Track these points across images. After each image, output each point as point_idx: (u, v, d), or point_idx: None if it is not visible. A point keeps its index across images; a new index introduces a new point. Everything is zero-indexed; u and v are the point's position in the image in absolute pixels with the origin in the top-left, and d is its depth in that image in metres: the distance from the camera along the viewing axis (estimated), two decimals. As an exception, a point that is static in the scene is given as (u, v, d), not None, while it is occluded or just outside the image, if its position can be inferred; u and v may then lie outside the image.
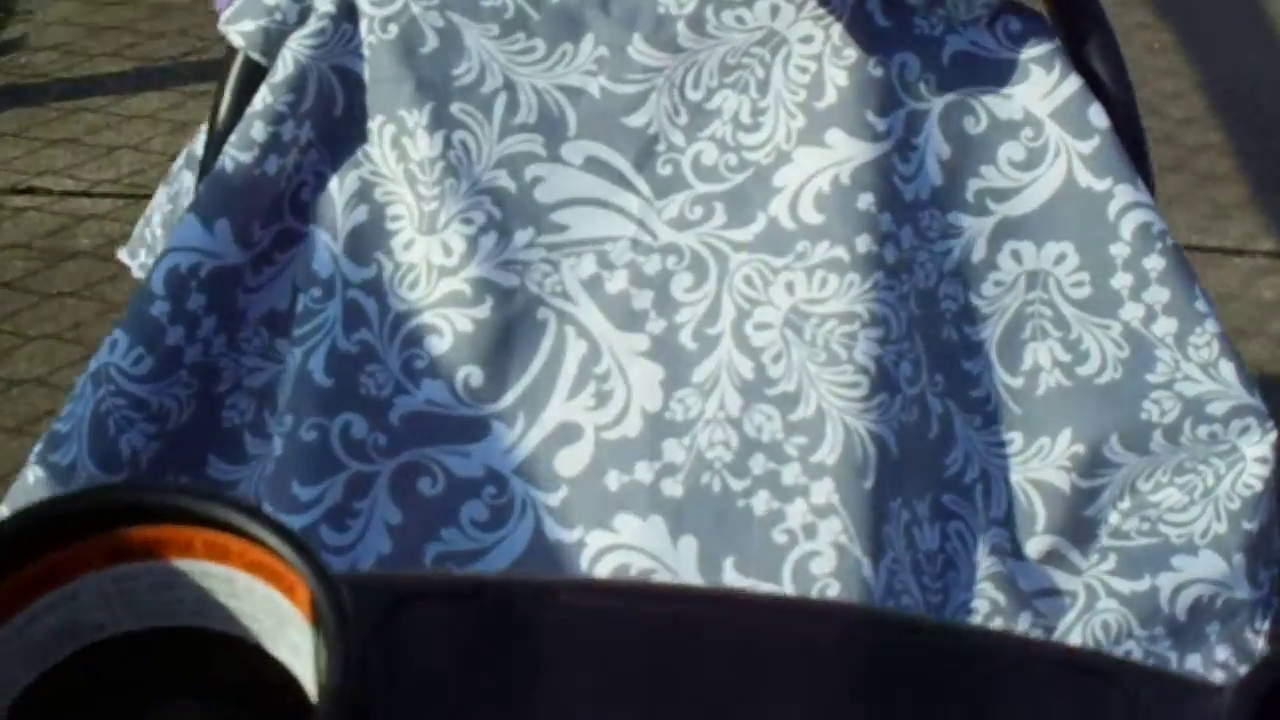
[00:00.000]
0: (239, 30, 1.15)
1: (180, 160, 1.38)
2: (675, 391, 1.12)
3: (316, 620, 0.60)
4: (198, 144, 1.36)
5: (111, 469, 1.12)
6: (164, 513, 0.63)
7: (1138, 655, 1.13)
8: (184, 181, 1.34)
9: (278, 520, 0.62)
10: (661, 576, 1.09)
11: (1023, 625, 1.15)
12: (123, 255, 1.45)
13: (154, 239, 1.35)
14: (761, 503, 1.11)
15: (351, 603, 0.60)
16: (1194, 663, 1.13)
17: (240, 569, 0.64)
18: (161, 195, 1.39)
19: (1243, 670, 1.13)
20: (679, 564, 1.10)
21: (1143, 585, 1.14)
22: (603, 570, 1.10)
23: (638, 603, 0.71)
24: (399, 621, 0.68)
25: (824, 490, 1.09)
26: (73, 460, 1.12)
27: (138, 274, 1.44)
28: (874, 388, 1.10)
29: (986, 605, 1.14)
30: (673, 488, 1.11)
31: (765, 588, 1.09)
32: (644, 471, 1.11)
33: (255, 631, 0.65)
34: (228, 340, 1.15)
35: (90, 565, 0.65)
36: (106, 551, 0.65)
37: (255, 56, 1.15)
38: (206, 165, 1.16)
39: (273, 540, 0.62)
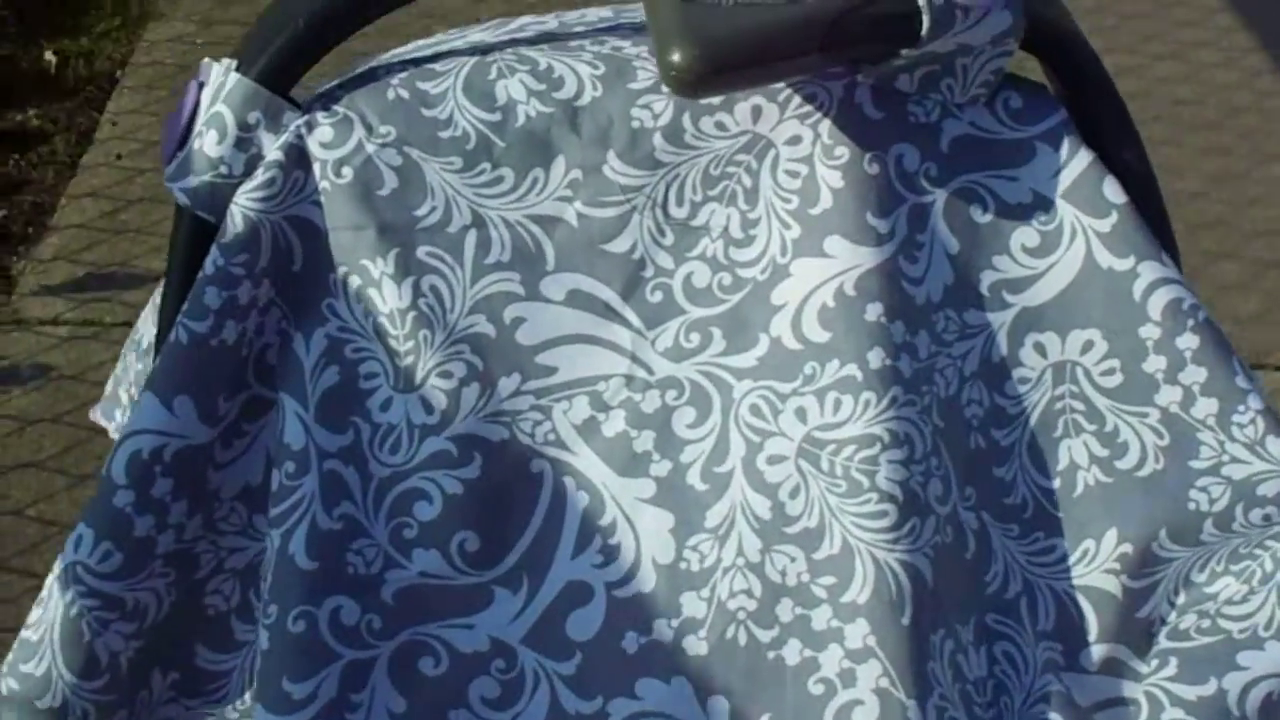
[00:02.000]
0: (182, 187, 1.06)
1: (146, 314, 1.30)
2: (688, 539, 1.04)
3: None
4: (159, 295, 1.28)
5: (89, 675, 1.05)
6: None
7: None
8: (150, 338, 1.27)
9: None
10: None
11: None
12: (96, 415, 1.37)
13: (129, 400, 1.28)
14: (793, 652, 1.03)
15: None
16: None
17: None
18: (130, 354, 1.32)
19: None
20: None
21: (1209, 689, 1.06)
22: None
23: None
24: None
25: (859, 633, 1.02)
26: (46, 670, 1.05)
27: (115, 435, 1.36)
28: (902, 515, 1.02)
29: None
30: (696, 645, 1.03)
31: None
32: (663, 630, 1.03)
33: None
34: (203, 522, 1.07)
35: None
36: None
37: (202, 214, 1.07)
38: (160, 335, 1.08)
39: None
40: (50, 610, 1.05)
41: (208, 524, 1.07)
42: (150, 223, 2.94)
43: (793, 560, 1.03)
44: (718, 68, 0.98)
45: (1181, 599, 1.09)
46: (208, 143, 1.06)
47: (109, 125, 3.25)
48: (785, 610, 1.03)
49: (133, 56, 3.51)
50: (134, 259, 2.87)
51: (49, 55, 3.46)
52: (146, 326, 1.29)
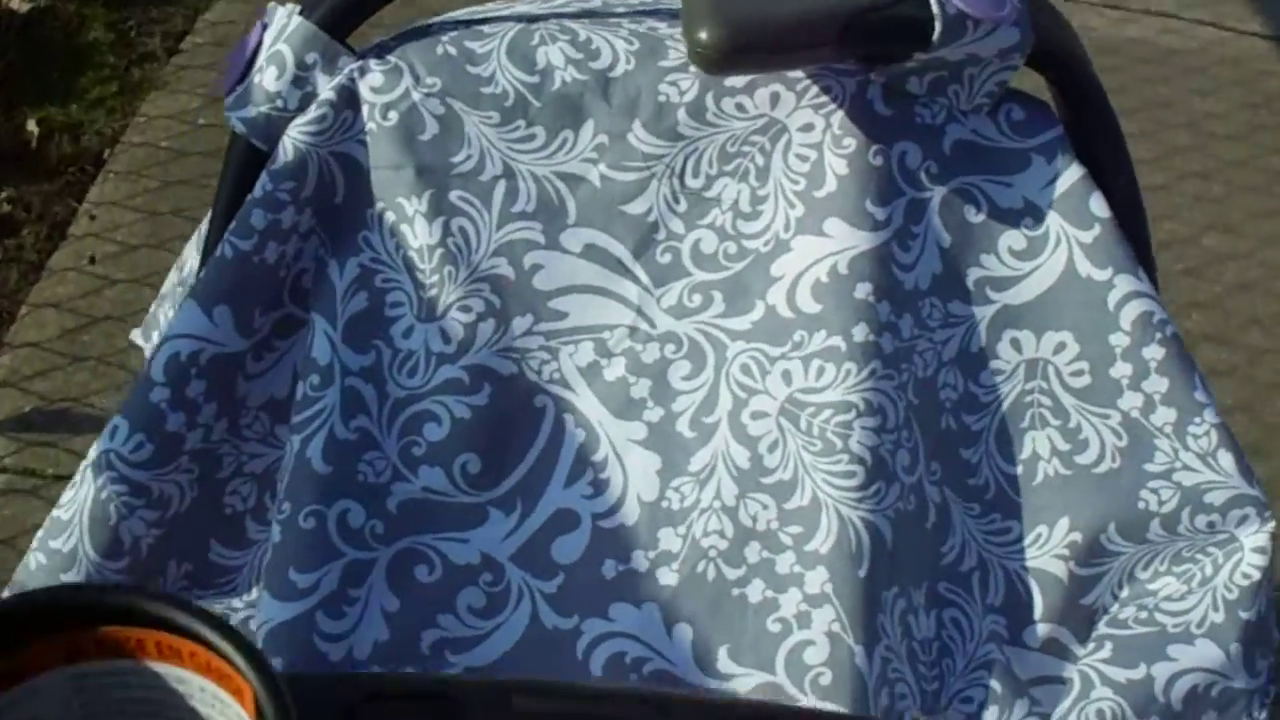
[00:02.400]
0: (241, 116, 1.15)
1: (191, 242, 1.39)
2: (671, 480, 1.12)
3: None
4: (205, 225, 1.37)
5: (112, 556, 1.13)
6: (121, 613, 0.64)
7: None
8: (194, 263, 1.35)
9: (227, 624, 0.62)
10: (656, 665, 1.09)
11: (1018, 713, 1.14)
12: (136, 337, 1.45)
13: (166, 321, 1.36)
14: (756, 591, 1.10)
15: (296, 708, 0.60)
16: None
17: (192, 670, 0.64)
18: (173, 277, 1.40)
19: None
20: (674, 652, 1.09)
21: (1138, 674, 1.13)
22: (598, 658, 1.09)
23: (592, 706, 0.71)
24: (356, 723, 0.68)
25: (818, 579, 1.09)
26: (74, 547, 1.13)
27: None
28: (869, 477, 1.10)
29: (982, 693, 1.14)
30: (668, 576, 1.11)
31: (758, 676, 1.09)
32: (640, 560, 1.11)
33: (212, 730, 0.66)
34: (229, 426, 1.15)
35: (50, 663, 0.65)
36: (66, 650, 0.65)
37: (256, 143, 1.15)
38: (207, 251, 1.17)
39: (221, 644, 0.62)
40: (82, 492, 1.13)
41: (233, 428, 1.16)
42: (114, 350, 2.54)
43: (765, 508, 1.11)
44: (740, 48, 1.07)
45: (1124, 592, 1.16)
46: (268, 77, 1.15)
47: (87, 219, 2.83)
48: (753, 552, 1.11)
49: (125, 134, 3.05)
50: (89, 395, 2.48)
51: (31, 125, 2.99)
52: (190, 253, 1.38)
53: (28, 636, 0.64)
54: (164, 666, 0.64)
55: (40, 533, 1.14)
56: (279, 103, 1.14)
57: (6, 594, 1.13)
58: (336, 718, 0.68)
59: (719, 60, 1.08)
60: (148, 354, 1.39)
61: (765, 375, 1.13)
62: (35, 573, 1.13)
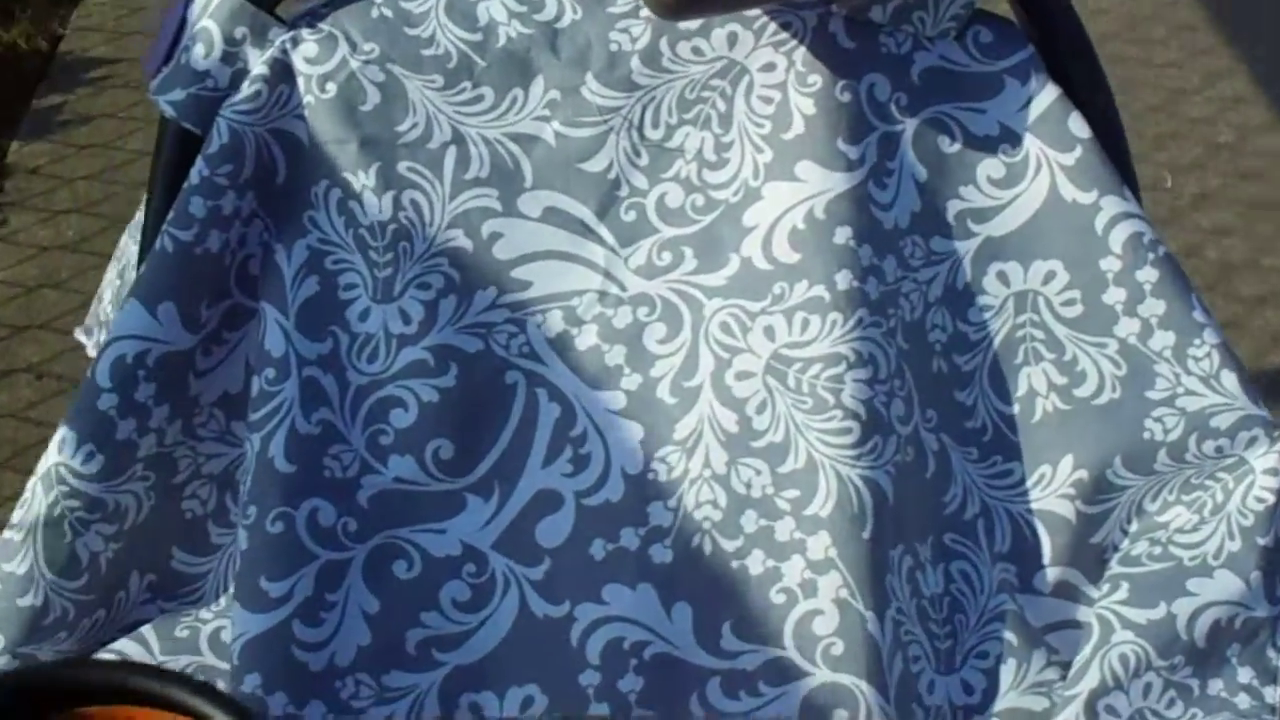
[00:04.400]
0: (169, 99, 1.08)
1: (126, 233, 1.32)
2: (656, 450, 1.07)
3: None
4: (141, 212, 1.30)
5: (70, 575, 1.07)
6: (109, 691, 0.58)
7: (1158, 686, 1.08)
8: (130, 256, 1.28)
9: (225, 694, 0.57)
10: (657, 648, 1.04)
11: (1036, 664, 1.10)
12: (79, 335, 1.39)
13: (107, 317, 1.30)
14: (756, 562, 1.05)
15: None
16: (1216, 687, 1.09)
17: None
18: (111, 271, 1.34)
19: (1267, 691, 1.08)
20: (674, 633, 1.04)
21: (1158, 613, 1.09)
22: (594, 645, 1.04)
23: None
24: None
25: (821, 545, 1.04)
26: (29, 569, 1.06)
27: (93, 353, 1.38)
28: (865, 432, 1.05)
29: (997, 646, 1.09)
30: (662, 553, 1.05)
31: (766, 651, 1.04)
32: (630, 538, 1.06)
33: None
34: (183, 427, 1.09)
35: None
36: None
37: (188, 126, 1.09)
38: (145, 245, 1.10)
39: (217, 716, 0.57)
40: (33, 511, 1.07)
41: (187, 429, 1.09)
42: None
43: (758, 473, 1.06)
44: None
45: (1134, 526, 1.11)
46: (194, 56, 1.08)
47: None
48: (749, 521, 1.06)
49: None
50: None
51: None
52: (127, 245, 1.31)
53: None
54: None
55: None
56: (209, 82, 1.08)
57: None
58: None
59: (677, 5, 1.02)
60: (89, 350, 1.32)
61: (746, 332, 1.07)
62: None
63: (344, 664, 1.04)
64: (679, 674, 1.04)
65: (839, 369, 1.05)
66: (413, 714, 1.04)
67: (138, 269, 1.11)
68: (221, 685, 1.05)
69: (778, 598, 1.05)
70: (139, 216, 1.29)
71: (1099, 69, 1.14)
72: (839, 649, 1.03)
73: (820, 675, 1.03)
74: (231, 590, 1.08)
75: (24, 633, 1.07)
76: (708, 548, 1.06)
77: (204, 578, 1.12)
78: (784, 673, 1.03)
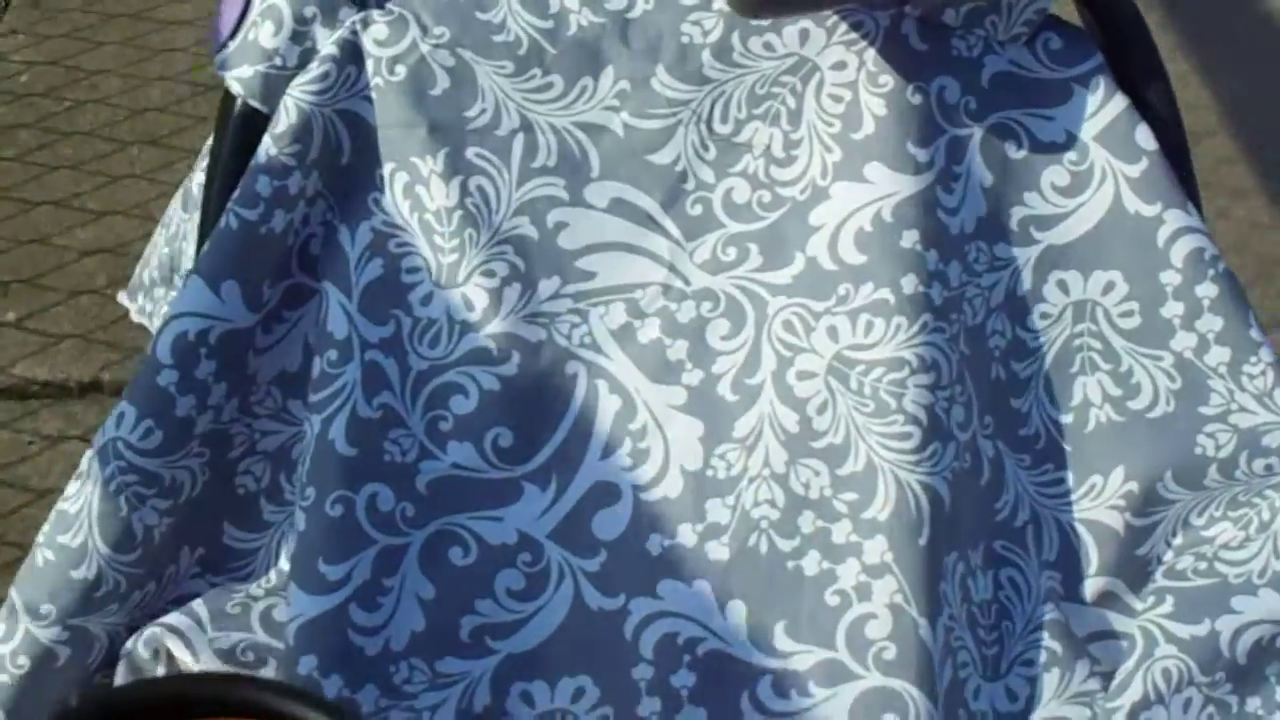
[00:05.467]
0: (237, 76, 1.08)
1: (176, 202, 1.32)
2: (716, 447, 1.07)
3: None
4: (193, 182, 1.30)
5: (124, 549, 1.07)
6: (226, 705, 0.58)
7: (1198, 702, 1.08)
8: (180, 224, 1.28)
9: (322, 699, 0.57)
10: (710, 645, 1.04)
11: (1080, 674, 1.10)
12: (122, 298, 1.39)
13: (152, 282, 1.29)
14: (812, 563, 1.06)
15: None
16: (1254, 705, 1.09)
17: None
18: (159, 237, 1.33)
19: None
20: (728, 631, 1.05)
21: (1202, 629, 1.09)
22: (648, 639, 1.04)
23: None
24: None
25: (877, 549, 1.04)
26: (83, 541, 1.06)
27: (136, 317, 1.38)
28: (926, 438, 1.05)
29: (1042, 654, 1.10)
30: (718, 550, 1.05)
31: (818, 653, 1.04)
32: (687, 534, 1.06)
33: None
34: (240, 404, 1.09)
35: None
36: None
37: (255, 104, 1.08)
38: (207, 222, 1.09)
39: None
40: (88, 484, 1.06)
41: (244, 406, 1.09)
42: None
43: (817, 474, 1.06)
44: None
45: (1179, 540, 1.12)
46: (263, 33, 1.07)
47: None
48: (807, 522, 1.06)
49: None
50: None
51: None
52: (176, 212, 1.31)
53: None
54: None
55: (46, 527, 1.08)
56: (277, 60, 1.07)
57: (13, 591, 1.07)
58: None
59: (756, 3, 1.02)
60: (133, 315, 1.32)
61: (810, 332, 1.07)
62: (43, 570, 1.07)
63: (398, 649, 1.04)
64: (731, 671, 1.04)
65: (902, 373, 1.05)
66: (464, 700, 1.04)
67: (198, 245, 1.10)
68: (274, 663, 1.05)
69: (832, 599, 1.05)
70: (188, 184, 1.29)
71: (1167, 81, 1.14)
72: (891, 654, 1.03)
73: (872, 679, 1.03)
74: (283, 568, 1.08)
75: (77, 604, 1.07)
76: (764, 547, 1.06)
77: (254, 554, 1.11)
78: (835, 675, 1.04)
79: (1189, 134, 1.15)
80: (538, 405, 1.07)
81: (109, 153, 2.73)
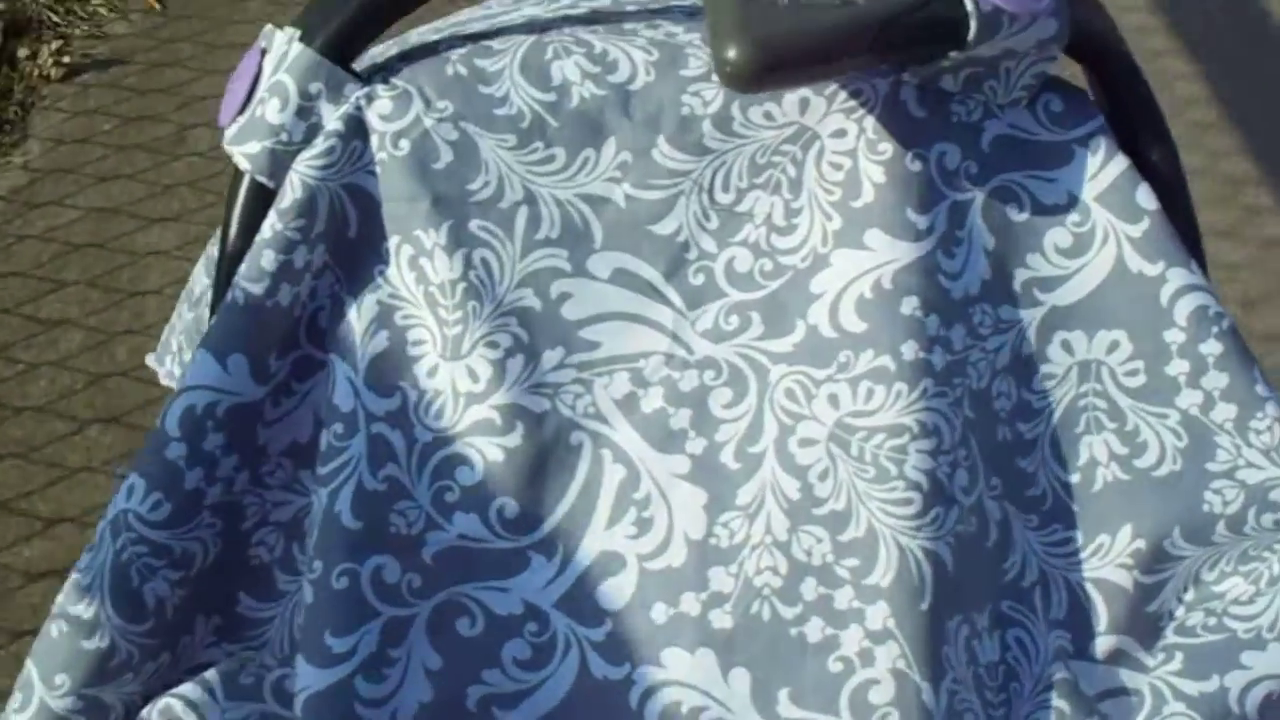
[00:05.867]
0: (244, 152, 1.09)
1: (199, 266, 1.33)
2: (719, 516, 1.07)
3: None
4: (214, 247, 1.31)
5: (136, 620, 1.08)
6: None
7: None
8: (204, 290, 1.29)
9: None
10: (714, 713, 1.05)
11: None
12: (151, 361, 1.40)
13: (180, 347, 1.31)
14: (815, 630, 1.06)
15: None
16: None
17: None
18: (184, 305, 1.35)
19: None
20: (731, 699, 1.05)
21: (1211, 685, 1.09)
22: (653, 709, 1.05)
23: None
24: None
25: (879, 615, 1.05)
26: (95, 613, 1.08)
27: (165, 381, 1.39)
28: (927, 503, 1.05)
29: (1051, 715, 1.10)
30: (721, 619, 1.06)
31: (823, 719, 1.05)
32: (690, 603, 1.06)
33: None
34: (250, 477, 1.10)
35: None
36: None
37: (261, 179, 1.09)
38: (217, 296, 1.11)
39: None
40: (101, 555, 1.08)
41: (255, 478, 1.10)
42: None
43: (819, 541, 1.06)
44: (772, 66, 1.01)
45: (1190, 596, 1.12)
46: (269, 110, 1.09)
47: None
48: (809, 589, 1.06)
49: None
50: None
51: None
52: (199, 278, 1.32)
53: None
54: None
55: (60, 599, 1.09)
56: (283, 136, 1.09)
57: (29, 662, 1.09)
58: None
59: (750, 79, 1.02)
60: (162, 378, 1.33)
61: (811, 400, 1.08)
62: (57, 640, 1.09)
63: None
64: None
65: (902, 440, 1.06)
66: None
67: (210, 317, 1.12)
68: None
69: (835, 666, 1.05)
70: (211, 250, 1.30)
71: (1169, 139, 1.14)
72: (895, 719, 1.04)
73: None
74: (296, 638, 1.09)
75: (91, 675, 1.08)
76: (767, 614, 1.06)
77: (269, 623, 1.13)
78: None
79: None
80: (542, 475, 1.08)
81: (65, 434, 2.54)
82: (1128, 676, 1.12)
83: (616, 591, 1.07)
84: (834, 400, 1.08)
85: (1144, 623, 1.12)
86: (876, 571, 1.05)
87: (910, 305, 1.08)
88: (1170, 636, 1.12)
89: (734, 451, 1.08)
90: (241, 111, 1.10)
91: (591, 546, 1.08)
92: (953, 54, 1.06)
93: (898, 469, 1.06)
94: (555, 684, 1.06)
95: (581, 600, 1.07)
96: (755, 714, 1.05)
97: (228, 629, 1.13)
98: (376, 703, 1.05)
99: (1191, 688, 1.09)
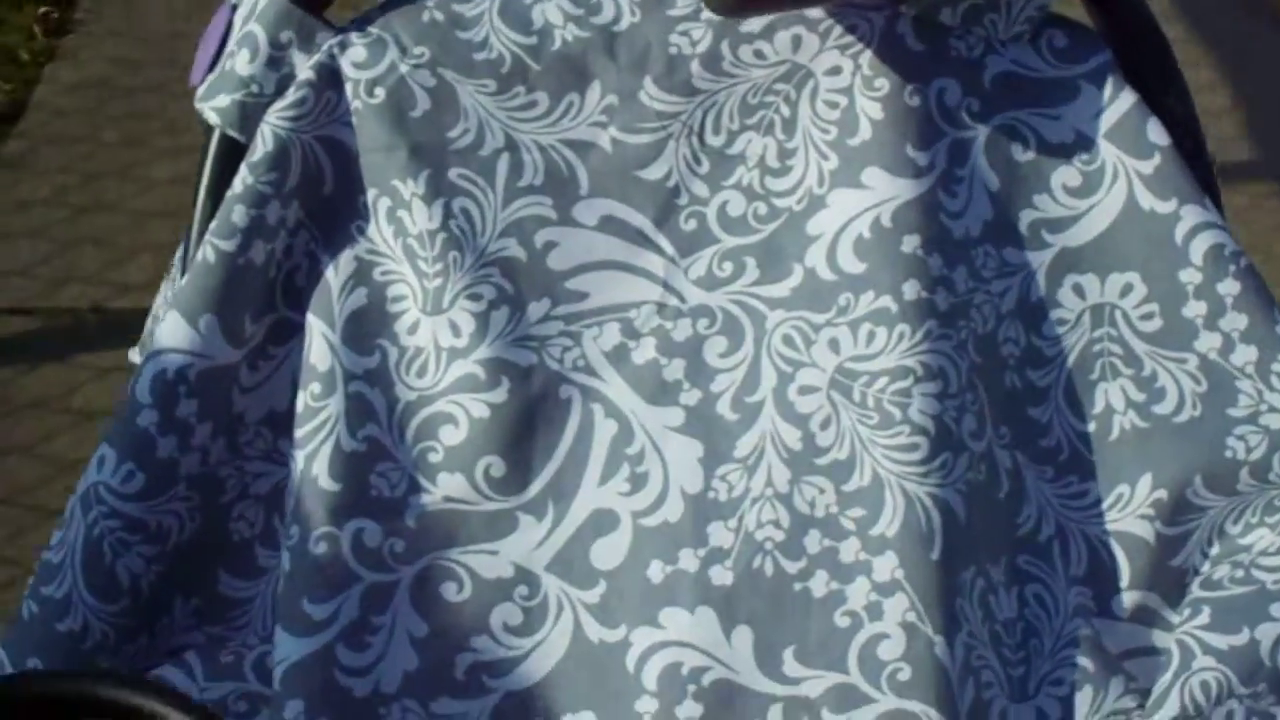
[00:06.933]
0: (213, 106, 1.06)
1: (178, 254, 1.29)
2: (716, 469, 1.03)
3: None
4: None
5: (110, 598, 1.03)
6: (101, 705, 0.55)
7: (1240, 714, 1.03)
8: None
9: (196, 704, 0.53)
10: (716, 674, 1.00)
11: (1114, 692, 1.05)
12: (134, 355, 1.36)
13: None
14: (820, 584, 1.01)
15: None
16: None
17: None
18: (165, 292, 1.31)
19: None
20: (735, 659, 1.00)
21: (1241, 639, 1.04)
22: (651, 671, 1.00)
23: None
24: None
25: (887, 566, 1.00)
26: (68, 592, 1.03)
27: None
28: (934, 448, 1.01)
29: (1072, 672, 1.05)
30: (722, 575, 1.01)
31: (829, 678, 1.00)
32: (689, 559, 1.02)
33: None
34: (227, 445, 1.06)
35: None
36: None
37: (232, 133, 1.06)
38: (188, 256, 1.07)
39: None
40: (72, 531, 1.03)
41: (232, 448, 1.06)
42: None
43: (822, 492, 1.02)
44: None
45: (1215, 549, 1.07)
46: (239, 61, 1.05)
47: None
48: (813, 541, 1.02)
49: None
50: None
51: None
52: (179, 264, 1.29)
53: None
54: None
55: (32, 580, 1.05)
56: (254, 88, 1.05)
57: (0, 651, 1.04)
58: None
59: (736, 2, 0.98)
60: None
61: (810, 345, 1.04)
62: (29, 624, 1.04)
63: (390, 690, 1.01)
64: (739, 701, 1.00)
65: (906, 382, 1.01)
66: None
67: (178, 282, 1.08)
68: (266, 711, 1.02)
69: (842, 621, 1.00)
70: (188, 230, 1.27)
71: (1178, 73, 1.10)
72: (906, 674, 0.99)
73: (886, 702, 0.99)
74: (276, 611, 1.05)
75: (64, 658, 1.04)
76: (769, 569, 1.01)
77: (250, 602, 1.08)
78: (848, 699, 0.99)
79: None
80: (530, 432, 1.04)
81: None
82: (1153, 634, 1.07)
83: (610, 550, 1.02)
84: (834, 345, 1.03)
85: (1168, 577, 1.07)
86: (882, 521, 1.01)
87: (911, 244, 1.03)
88: (1196, 591, 1.07)
89: (731, 402, 1.04)
90: (211, 68, 1.07)
91: (583, 505, 1.03)
92: None
93: (902, 413, 1.01)
94: (547, 649, 1.02)
95: (574, 561, 1.03)
96: (759, 673, 1.00)
97: (208, 610, 1.08)
98: (359, 671, 1.00)
99: (1221, 641, 1.04)
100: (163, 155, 3.11)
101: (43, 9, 3.50)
